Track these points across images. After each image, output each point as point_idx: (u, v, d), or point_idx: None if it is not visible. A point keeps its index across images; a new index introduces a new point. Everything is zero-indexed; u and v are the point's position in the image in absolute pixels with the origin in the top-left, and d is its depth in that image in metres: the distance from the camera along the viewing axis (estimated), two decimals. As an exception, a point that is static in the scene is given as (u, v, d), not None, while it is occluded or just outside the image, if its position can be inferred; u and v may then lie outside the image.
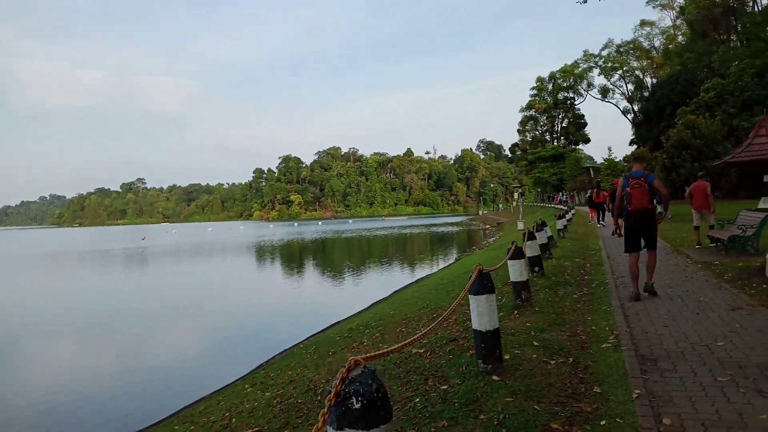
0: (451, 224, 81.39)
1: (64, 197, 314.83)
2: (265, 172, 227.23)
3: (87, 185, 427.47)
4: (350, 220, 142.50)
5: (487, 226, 63.81)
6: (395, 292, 17.81)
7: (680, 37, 65.70)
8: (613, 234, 8.03)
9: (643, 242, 7.41)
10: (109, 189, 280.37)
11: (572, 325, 6.15)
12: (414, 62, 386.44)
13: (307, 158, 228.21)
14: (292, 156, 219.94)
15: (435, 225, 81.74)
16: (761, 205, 19.22)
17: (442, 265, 26.13)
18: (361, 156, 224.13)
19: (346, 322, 13.48)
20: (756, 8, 52.48)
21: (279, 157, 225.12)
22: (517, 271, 7.24)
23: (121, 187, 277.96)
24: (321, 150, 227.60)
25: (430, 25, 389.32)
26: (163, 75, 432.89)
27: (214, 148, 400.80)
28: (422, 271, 24.94)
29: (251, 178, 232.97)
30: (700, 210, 14.50)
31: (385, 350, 2.58)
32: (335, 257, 37.94)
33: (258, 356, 11.61)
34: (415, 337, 3.91)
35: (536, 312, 6.89)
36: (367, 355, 2.16)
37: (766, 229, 10.19)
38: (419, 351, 6.11)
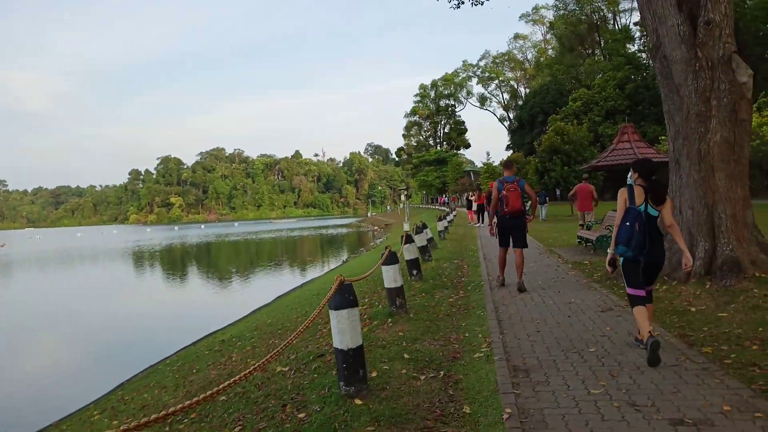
0: (341, 226, 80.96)
1: None
2: (142, 173, 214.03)
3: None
4: (236, 223, 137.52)
5: (376, 228, 64.16)
6: (278, 297, 16.90)
7: (550, 50, 70.45)
8: (490, 234, 8.49)
9: (512, 242, 8.01)
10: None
11: (446, 333, 5.81)
12: (299, 66, 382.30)
13: (189, 159, 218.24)
14: (172, 157, 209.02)
15: (324, 227, 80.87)
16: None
17: (328, 268, 25.36)
18: (247, 157, 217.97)
19: (220, 333, 12.42)
20: (617, 26, 57.45)
21: (158, 158, 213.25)
22: (390, 276, 6.80)
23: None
24: (204, 151, 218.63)
25: (314, 31, 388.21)
26: (25, 71, 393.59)
27: (85, 148, 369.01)
28: (309, 274, 24.04)
29: (127, 180, 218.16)
30: (584, 211, 15.21)
31: (243, 373, 2.50)
32: (216, 262, 36.01)
33: (119, 374, 10.21)
34: (272, 353, 3.32)
35: (411, 319, 6.49)
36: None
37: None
38: (283, 369, 5.46)
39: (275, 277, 24.45)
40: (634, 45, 52.74)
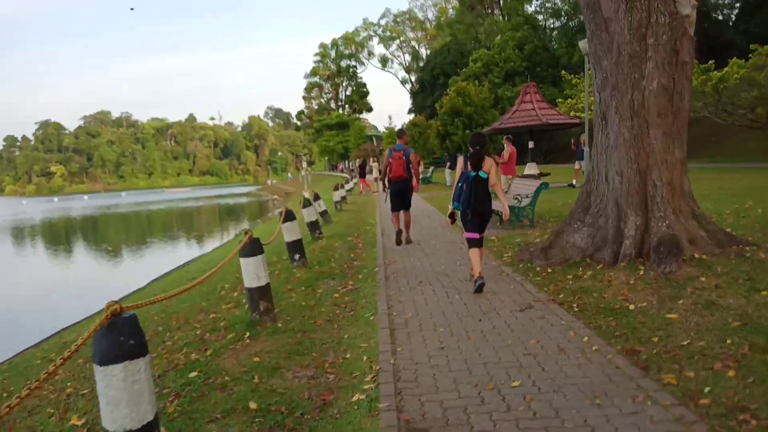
0: (238, 195, 77.28)
1: None
2: (19, 140, 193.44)
3: None
4: (123, 193, 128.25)
5: (275, 197, 61.57)
6: (153, 281, 14.52)
7: (450, 9, 69.67)
8: (385, 201, 9.24)
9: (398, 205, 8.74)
10: None
11: (321, 352, 4.25)
12: (189, 23, 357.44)
13: (72, 124, 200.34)
14: (52, 121, 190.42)
15: (221, 196, 76.54)
16: (527, 171, 19.86)
17: (215, 244, 22.98)
18: (136, 121, 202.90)
19: (68, 331, 10.22)
20: (516, -16, 57.25)
21: (36, 123, 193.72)
22: (251, 272, 5.07)
23: None
24: (87, 114, 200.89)
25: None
26: None
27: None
28: (192, 251, 21.47)
29: (1, 147, 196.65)
30: (507, 175, 13.86)
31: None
32: (87, 240, 31.99)
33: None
34: None
35: (278, 331, 4.84)
36: None
37: (541, 199, 9.57)
38: None
39: (153, 256, 21.80)
40: (531, 5, 52.83)
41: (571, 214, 6.49)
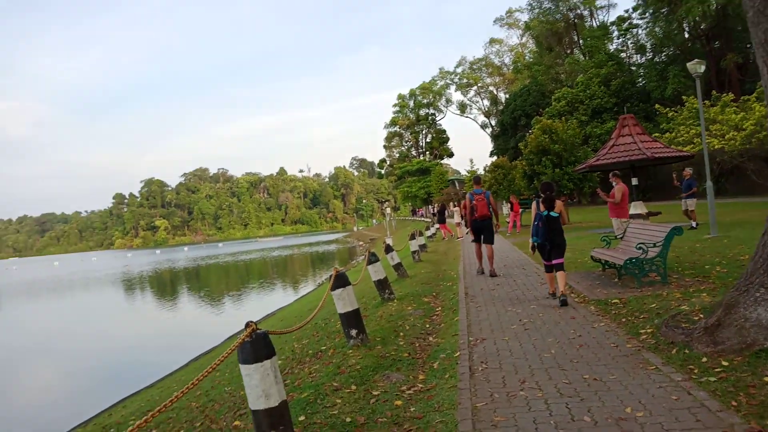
0: (326, 242, 78.13)
1: None
2: (127, 197, 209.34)
3: None
4: (220, 244, 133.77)
5: (360, 243, 61.26)
6: (264, 318, 15.35)
7: (528, 54, 68.05)
8: (467, 234, 10.90)
9: (483, 239, 10.26)
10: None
11: None
12: (277, 85, 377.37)
13: (173, 181, 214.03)
14: (155, 179, 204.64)
15: (309, 244, 78.37)
16: (632, 210, 17.19)
17: (309, 287, 24.26)
18: (232, 176, 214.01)
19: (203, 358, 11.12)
20: (594, 23, 55.06)
21: (141, 181, 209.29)
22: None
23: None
24: (187, 172, 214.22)
25: (290, 50, 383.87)
26: (5, 100, 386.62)
27: (69, 174, 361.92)
28: (288, 295, 23.07)
29: (111, 204, 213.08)
30: (619, 218, 11.80)
31: None
32: (198, 288, 33.35)
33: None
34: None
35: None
36: None
37: (672, 247, 7.38)
38: None
39: (252, 301, 23.21)
40: (612, 44, 50.26)
41: (748, 275, 4.36)
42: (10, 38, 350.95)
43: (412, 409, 3.91)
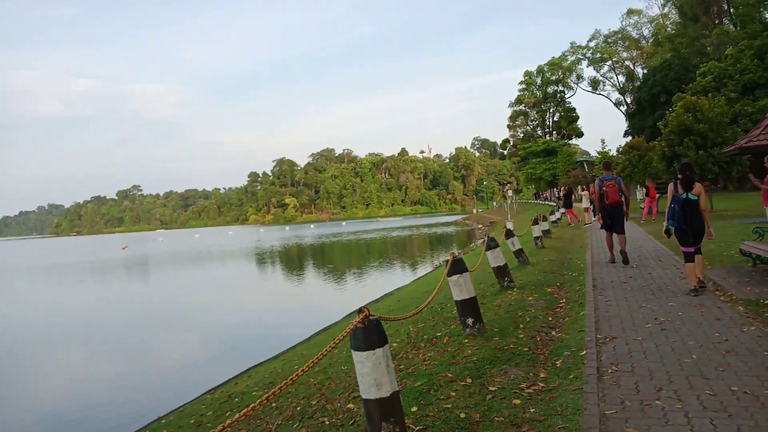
0: (445, 224, 78.28)
1: (62, 206, 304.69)
2: (260, 175, 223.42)
3: (83, 194, 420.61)
4: (343, 223, 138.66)
5: (479, 226, 60.32)
6: (384, 296, 16.25)
7: (669, 26, 62.25)
8: (598, 220, 10.51)
9: (614, 229, 9.93)
10: (105, 197, 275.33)
11: None
12: (401, 65, 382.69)
13: (302, 161, 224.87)
14: (286, 159, 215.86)
15: (429, 225, 78.82)
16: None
17: (427, 268, 24.63)
18: (356, 157, 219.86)
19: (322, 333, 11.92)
20: (748, -11, 48.96)
21: (273, 161, 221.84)
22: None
23: (118, 194, 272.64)
24: (315, 152, 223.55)
25: (414, 29, 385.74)
26: (155, 83, 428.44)
27: (209, 154, 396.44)
28: (406, 275, 23.64)
29: (246, 182, 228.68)
30: None
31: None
32: (315, 264, 35.43)
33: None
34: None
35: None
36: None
37: None
38: None
39: (377, 278, 23.93)
40: (770, 10, 44.22)
41: None
42: (154, 25, 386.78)
43: (531, 410, 3.69)
